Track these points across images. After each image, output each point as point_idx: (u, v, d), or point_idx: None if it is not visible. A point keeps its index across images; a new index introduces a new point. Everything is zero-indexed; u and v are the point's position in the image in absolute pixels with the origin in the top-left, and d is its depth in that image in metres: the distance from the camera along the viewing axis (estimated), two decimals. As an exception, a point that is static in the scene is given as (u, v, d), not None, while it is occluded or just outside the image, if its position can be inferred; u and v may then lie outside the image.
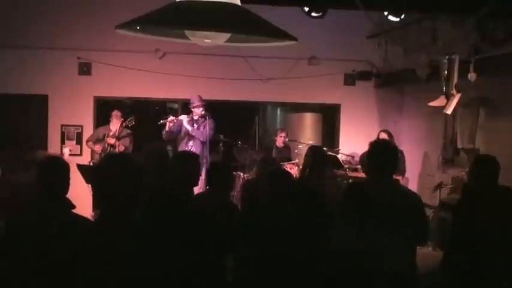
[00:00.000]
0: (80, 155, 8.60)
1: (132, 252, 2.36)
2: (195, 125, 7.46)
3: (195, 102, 7.49)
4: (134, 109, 9.45)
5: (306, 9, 6.79)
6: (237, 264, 3.75)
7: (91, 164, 7.87)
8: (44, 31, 8.44)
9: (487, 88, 7.09)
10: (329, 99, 9.58)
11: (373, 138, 8.66)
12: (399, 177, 7.28)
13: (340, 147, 9.19)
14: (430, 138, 8.52)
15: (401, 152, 7.75)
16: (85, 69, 8.69)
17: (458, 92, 6.96)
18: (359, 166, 8.06)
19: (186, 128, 7.43)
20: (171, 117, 7.55)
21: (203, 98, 7.58)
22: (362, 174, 7.12)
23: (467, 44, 6.86)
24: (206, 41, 4.51)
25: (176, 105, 9.64)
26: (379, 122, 9.45)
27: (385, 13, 6.71)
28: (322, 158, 5.36)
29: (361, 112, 9.51)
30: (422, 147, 8.80)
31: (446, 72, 7.06)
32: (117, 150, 7.80)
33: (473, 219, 3.96)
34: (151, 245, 2.44)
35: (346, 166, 8.24)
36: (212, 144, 7.85)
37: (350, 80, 9.55)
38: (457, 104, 7.02)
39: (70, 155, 8.15)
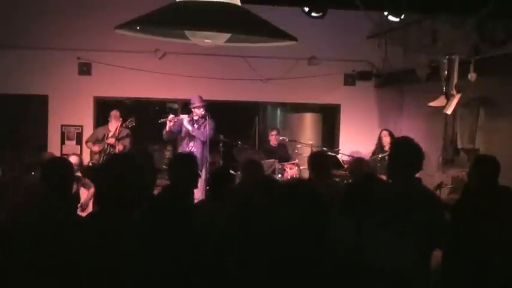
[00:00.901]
0: (80, 155, 8.59)
1: (133, 252, 2.36)
2: (195, 125, 7.45)
3: (196, 102, 7.48)
4: (134, 109, 9.44)
5: (306, 9, 6.80)
6: (235, 265, 3.74)
7: (90, 164, 7.86)
8: (44, 31, 8.43)
9: (487, 88, 7.09)
10: (329, 99, 9.58)
11: (373, 138, 8.75)
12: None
13: (340, 147, 9.19)
14: (430, 138, 8.51)
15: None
16: (85, 69, 8.69)
17: (458, 92, 6.96)
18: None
19: (186, 128, 7.42)
20: (171, 116, 7.53)
21: (203, 98, 7.57)
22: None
23: (467, 44, 6.86)
24: (206, 41, 4.52)
25: (176, 106, 9.64)
26: (379, 122, 9.45)
27: (385, 13, 6.71)
28: (322, 166, 5.23)
29: (361, 112, 9.51)
30: (422, 147, 8.78)
31: (446, 72, 7.06)
32: (116, 150, 7.79)
33: (473, 219, 3.96)
34: (152, 245, 2.44)
35: (346, 166, 8.23)
36: (212, 144, 7.85)
37: (350, 80, 9.55)
38: (457, 104, 7.02)
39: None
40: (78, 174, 6.34)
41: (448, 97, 7.04)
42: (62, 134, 8.75)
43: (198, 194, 6.22)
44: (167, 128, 7.48)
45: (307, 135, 9.53)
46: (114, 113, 8.16)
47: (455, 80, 6.98)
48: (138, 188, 2.48)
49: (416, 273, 3.26)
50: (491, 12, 6.06)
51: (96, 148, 7.98)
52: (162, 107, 10.54)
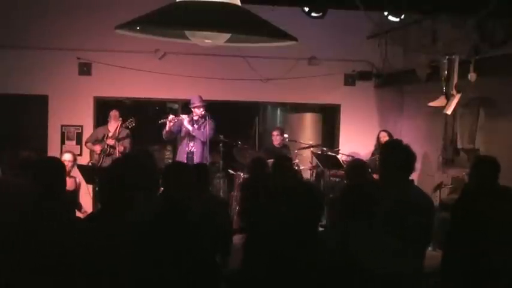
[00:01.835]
0: (80, 155, 8.58)
1: (132, 252, 2.36)
2: (195, 125, 7.45)
3: (196, 102, 7.47)
4: (134, 109, 9.44)
5: (306, 9, 6.81)
6: (226, 262, 3.77)
7: (90, 164, 7.85)
8: (44, 31, 8.43)
9: (487, 88, 7.09)
10: (329, 99, 9.58)
11: (373, 138, 8.75)
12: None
13: (340, 148, 9.19)
14: (430, 138, 8.52)
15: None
16: (85, 69, 8.69)
17: (458, 92, 6.96)
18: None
19: (186, 128, 7.41)
20: (171, 116, 7.53)
21: (203, 98, 7.57)
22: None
23: (467, 44, 6.86)
24: (206, 41, 4.53)
25: (176, 106, 9.63)
26: (379, 122, 9.45)
27: (385, 13, 6.72)
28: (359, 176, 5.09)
29: (361, 112, 9.51)
30: (422, 147, 8.79)
31: (446, 72, 7.06)
32: (116, 150, 7.78)
33: (473, 219, 3.96)
34: (151, 245, 2.44)
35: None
36: (212, 144, 7.84)
37: (350, 80, 9.55)
38: (457, 104, 7.02)
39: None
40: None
41: (448, 97, 7.05)
42: (62, 134, 8.74)
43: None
44: (167, 128, 7.47)
45: (307, 135, 9.54)
46: (114, 113, 8.14)
47: (455, 80, 6.98)
48: (142, 188, 2.48)
49: (407, 277, 3.26)
50: (491, 12, 6.06)
51: (97, 148, 7.96)
52: (162, 107, 10.54)
